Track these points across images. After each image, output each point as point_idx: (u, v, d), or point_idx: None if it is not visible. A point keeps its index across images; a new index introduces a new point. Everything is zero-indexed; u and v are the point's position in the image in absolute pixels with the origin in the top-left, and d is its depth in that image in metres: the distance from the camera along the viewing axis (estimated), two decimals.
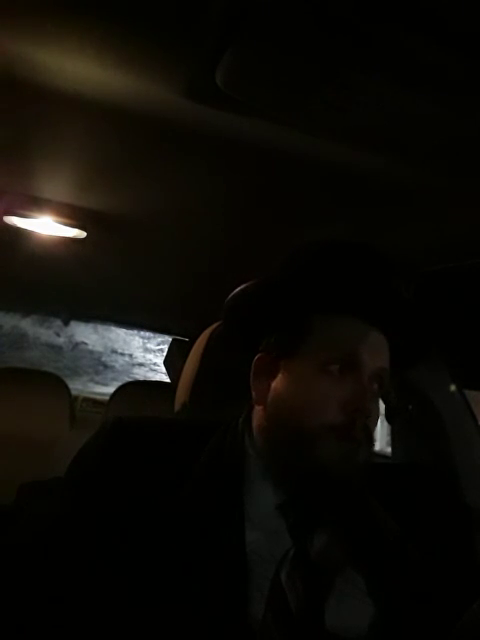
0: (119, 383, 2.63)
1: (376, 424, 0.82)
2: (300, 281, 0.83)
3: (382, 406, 1.38)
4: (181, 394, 1.12)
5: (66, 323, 2.91)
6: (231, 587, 0.72)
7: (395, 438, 1.34)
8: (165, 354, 2.84)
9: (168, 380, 2.72)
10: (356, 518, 0.81)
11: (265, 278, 0.88)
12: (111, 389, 2.60)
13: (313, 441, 0.76)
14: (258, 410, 0.85)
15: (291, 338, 0.82)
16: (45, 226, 1.27)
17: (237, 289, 0.89)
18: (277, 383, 0.82)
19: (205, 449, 0.82)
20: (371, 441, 0.79)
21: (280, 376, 0.82)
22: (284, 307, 0.84)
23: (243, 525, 0.76)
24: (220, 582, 0.72)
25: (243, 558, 0.74)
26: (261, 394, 0.83)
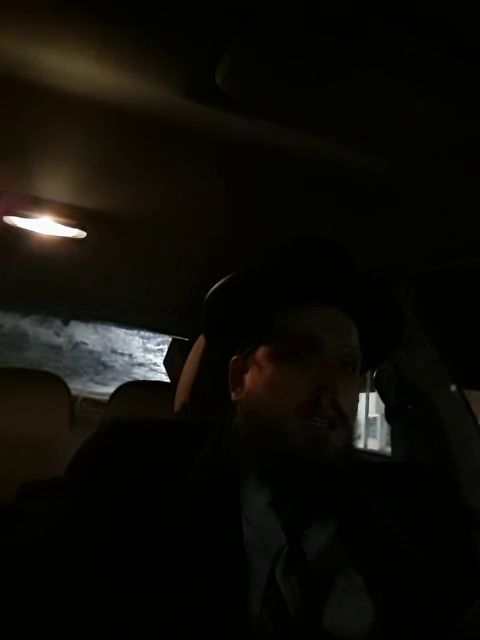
0: (119, 383, 2.63)
1: (352, 404, 0.81)
2: (257, 280, 0.87)
3: (382, 406, 1.38)
4: (181, 394, 1.12)
5: (66, 323, 2.90)
6: (229, 585, 0.72)
7: (395, 438, 1.34)
8: (165, 354, 2.84)
9: (168, 380, 2.71)
10: (353, 516, 0.81)
11: (228, 280, 0.90)
12: (111, 389, 2.60)
13: (281, 425, 0.77)
14: (238, 409, 0.86)
15: (256, 335, 0.85)
16: (45, 226, 1.27)
17: (209, 292, 0.91)
18: (248, 379, 0.85)
19: (202, 448, 0.83)
20: (347, 422, 0.79)
21: (250, 372, 0.85)
22: (247, 307, 0.87)
23: (240, 523, 0.76)
24: (218, 580, 0.72)
25: (241, 556, 0.74)
26: (237, 393, 0.87)
